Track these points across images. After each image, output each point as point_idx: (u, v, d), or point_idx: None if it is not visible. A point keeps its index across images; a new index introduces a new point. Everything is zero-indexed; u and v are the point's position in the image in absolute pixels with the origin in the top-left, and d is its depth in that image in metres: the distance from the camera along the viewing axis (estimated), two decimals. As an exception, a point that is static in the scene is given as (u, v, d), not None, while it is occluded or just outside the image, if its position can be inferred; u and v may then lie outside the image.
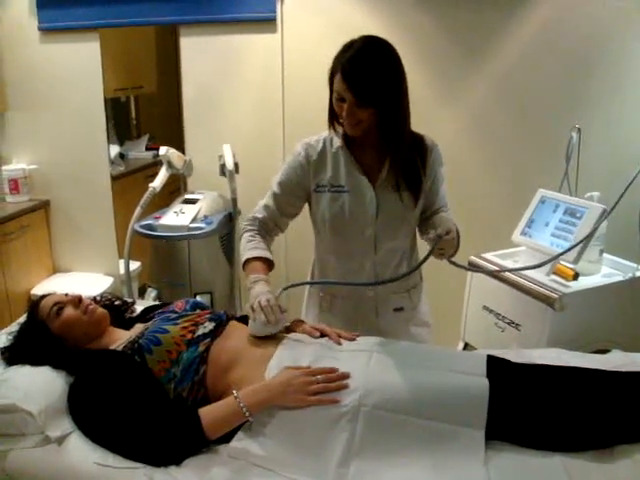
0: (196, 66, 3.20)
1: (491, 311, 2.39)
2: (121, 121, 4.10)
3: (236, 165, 2.92)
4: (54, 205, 3.53)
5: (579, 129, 2.42)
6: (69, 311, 1.70)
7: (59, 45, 3.25)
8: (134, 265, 3.37)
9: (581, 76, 2.80)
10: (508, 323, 2.30)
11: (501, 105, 2.91)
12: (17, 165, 3.43)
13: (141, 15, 3.15)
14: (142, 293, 3.22)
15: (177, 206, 2.99)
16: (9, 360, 1.67)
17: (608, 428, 1.40)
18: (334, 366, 1.51)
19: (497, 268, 2.35)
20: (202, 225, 2.86)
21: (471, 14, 2.82)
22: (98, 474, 1.37)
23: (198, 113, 3.25)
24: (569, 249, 2.04)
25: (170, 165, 3.00)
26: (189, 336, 1.63)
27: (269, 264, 1.81)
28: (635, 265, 2.30)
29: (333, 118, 1.74)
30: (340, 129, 1.76)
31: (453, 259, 1.71)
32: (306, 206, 1.89)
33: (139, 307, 2.01)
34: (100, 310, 1.75)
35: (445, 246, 1.64)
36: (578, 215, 2.21)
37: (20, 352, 1.67)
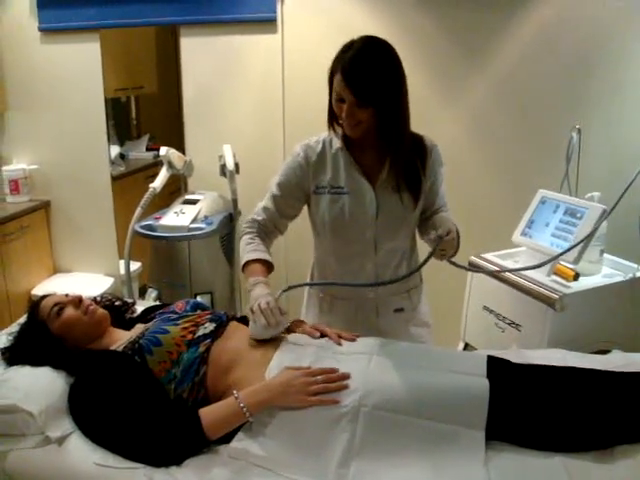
0: (196, 66, 3.20)
1: (491, 311, 2.39)
2: (121, 121, 4.11)
3: (236, 165, 2.92)
4: (54, 205, 3.53)
5: (579, 129, 2.42)
6: (69, 311, 1.70)
7: (59, 45, 3.25)
8: (134, 265, 3.37)
9: (581, 76, 2.80)
10: (508, 323, 2.30)
11: (501, 105, 2.91)
12: (17, 165, 3.43)
13: (141, 15, 3.15)
14: (142, 293, 3.22)
15: (177, 206, 2.99)
16: (9, 360, 1.67)
17: (608, 428, 1.40)
18: (334, 367, 1.51)
19: (497, 268, 2.35)
20: (202, 225, 2.86)
21: (471, 14, 2.82)
22: (98, 474, 1.37)
23: (198, 113, 3.25)
24: (569, 249, 2.04)
25: (170, 165, 3.00)
26: (189, 337, 1.63)
27: (269, 266, 1.80)
28: (635, 265, 2.30)
29: (332, 119, 1.73)
30: (340, 130, 1.75)
31: (453, 259, 1.71)
32: (305, 207, 1.89)
33: (139, 307, 2.01)
34: (100, 311, 1.75)
35: (446, 247, 1.64)
36: (578, 215, 2.21)
37: (20, 352, 1.67)
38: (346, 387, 1.45)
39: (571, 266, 2.21)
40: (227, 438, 1.44)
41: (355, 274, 1.84)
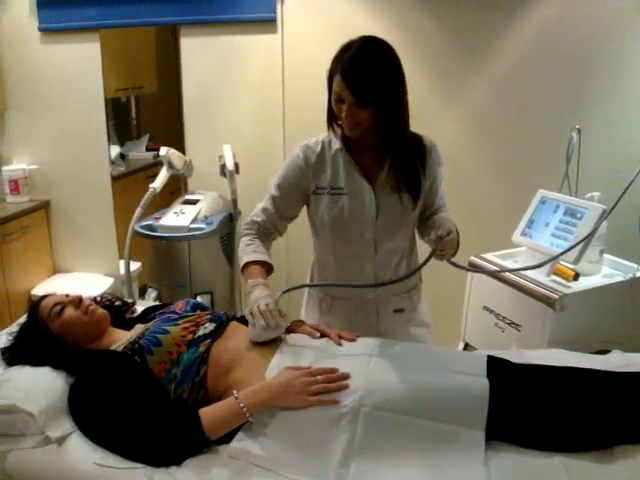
0: (196, 66, 3.20)
1: (491, 311, 2.39)
2: (121, 121, 4.11)
3: (236, 165, 2.92)
4: (54, 205, 3.53)
5: (579, 129, 2.42)
6: (69, 311, 1.70)
7: (59, 45, 3.25)
8: (134, 265, 3.37)
9: (581, 76, 2.80)
10: (508, 323, 2.30)
11: (501, 105, 2.92)
12: (17, 165, 3.43)
13: (141, 15, 3.15)
14: (142, 294, 3.22)
15: (177, 206, 2.99)
16: (9, 360, 1.67)
17: (608, 428, 1.41)
18: (334, 367, 1.51)
19: (497, 268, 2.35)
20: (202, 225, 2.86)
21: (471, 14, 2.83)
22: (98, 474, 1.37)
23: (198, 113, 3.25)
24: (569, 249, 2.04)
25: (170, 165, 3.00)
26: (189, 337, 1.63)
27: (268, 268, 1.79)
28: (635, 265, 2.30)
29: (332, 119, 1.73)
30: (339, 131, 1.75)
31: (453, 259, 1.71)
32: (304, 208, 1.88)
33: (139, 308, 2.01)
34: (100, 311, 1.75)
35: (446, 247, 1.64)
36: (578, 215, 2.21)
37: (20, 352, 1.67)
38: (346, 387, 1.45)
39: (571, 266, 2.21)
40: (227, 438, 1.44)
41: (355, 274, 1.84)
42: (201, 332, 1.66)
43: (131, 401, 1.46)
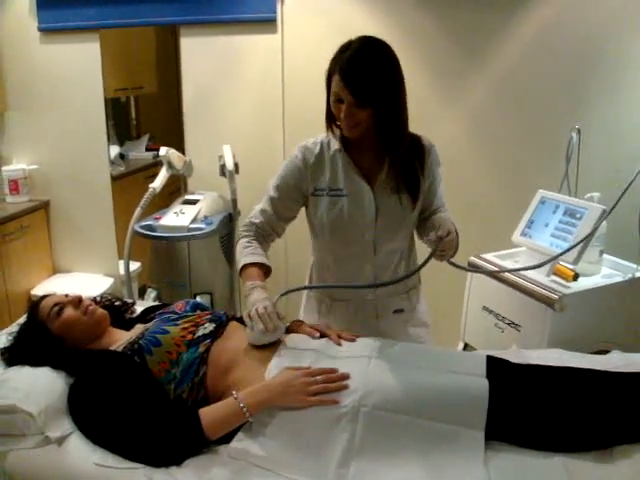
0: (196, 66, 3.20)
1: (491, 312, 2.39)
2: (121, 121, 4.11)
3: (236, 165, 2.92)
4: (54, 205, 3.53)
5: (579, 130, 2.42)
6: (69, 312, 1.70)
7: (59, 45, 3.25)
8: (134, 266, 3.37)
9: (581, 76, 2.80)
10: (508, 324, 2.30)
11: (501, 106, 2.92)
12: (17, 165, 3.43)
13: (141, 15, 3.15)
14: (142, 294, 3.22)
15: (177, 207, 2.99)
16: (9, 361, 1.67)
17: (608, 428, 1.41)
18: (334, 367, 1.51)
19: (497, 269, 2.35)
20: (202, 226, 2.86)
21: (471, 14, 2.83)
22: (98, 474, 1.37)
23: (198, 113, 3.25)
24: (568, 249, 2.04)
25: (170, 165, 3.00)
26: (189, 337, 1.63)
27: (266, 270, 1.79)
28: (635, 266, 2.30)
29: (331, 120, 1.73)
30: (338, 131, 1.75)
31: (452, 259, 1.71)
32: (303, 209, 1.88)
33: (139, 308, 2.01)
34: (100, 311, 1.75)
35: (446, 248, 1.64)
36: (578, 216, 2.21)
37: (20, 353, 1.67)
38: (346, 387, 1.45)
39: (571, 266, 2.21)
40: (227, 438, 1.44)
41: (354, 275, 1.83)
42: (201, 332, 1.66)
43: (131, 401, 1.46)
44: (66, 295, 1.76)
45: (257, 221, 1.84)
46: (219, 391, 1.56)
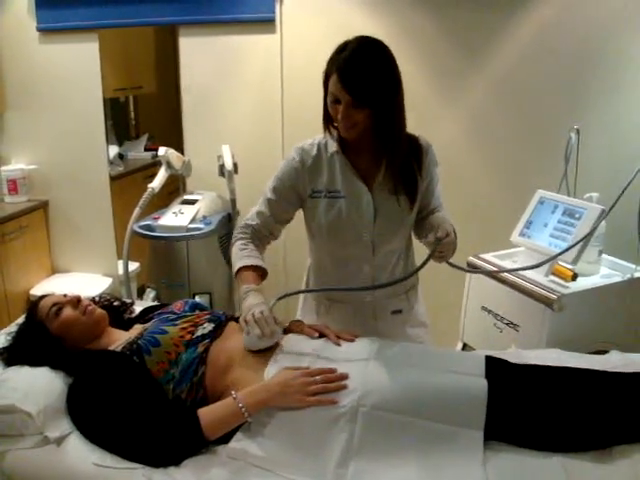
0: (195, 66, 3.20)
1: (490, 312, 2.39)
2: (120, 121, 4.11)
3: (235, 166, 2.92)
4: (53, 205, 3.52)
5: (578, 130, 2.42)
6: (68, 312, 1.70)
7: (58, 45, 3.25)
8: (133, 266, 3.37)
9: (580, 77, 2.80)
10: (507, 324, 2.30)
11: (500, 106, 2.92)
12: (16, 165, 3.43)
13: (140, 15, 3.14)
14: (141, 294, 3.22)
15: (176, 207, 2.99)
16: (8, 361, 1.67)
17: (607, 428, 1.41)
18: (333, 367, 1.51)
19: (495, 269, 2.35)
20: (201, 226, 2.86)
21: (471, 14, 2.82)
22: (97, 474, 1.37)
23: (197, 113, 3.25)
24: (567, 249, 2.04)
25: (169, 165, 3.00)
26: (188, 337, 1.63)
27: (262, 273, 1.77)
28: (634, 266, 2.30)
29: (328, 121, 1.72)
30: (335, 132, 1.74)
31: (450, 260, 1.70)
32: (300, 211, 1.87)
33: (138, 308, 2.00)
34: (99, 311, 1.75)
35: (444, 249, 1.63)
36: (577, 216, 2.21)
37: (19, 353, 1.67)
38: (345, 387, 1.45)
39: (569, 266, 2.21)
40: (226, 438, 1.44)
41: (352, 277, 1.82)
42: (199, 332, 1.66)
43: (129, 401, 1.46)
44: (65, 295, 1.76)
45: (253, 223, 1.83)
46: (218, 391, 1.56)
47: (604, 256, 2.39)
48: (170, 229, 2.85)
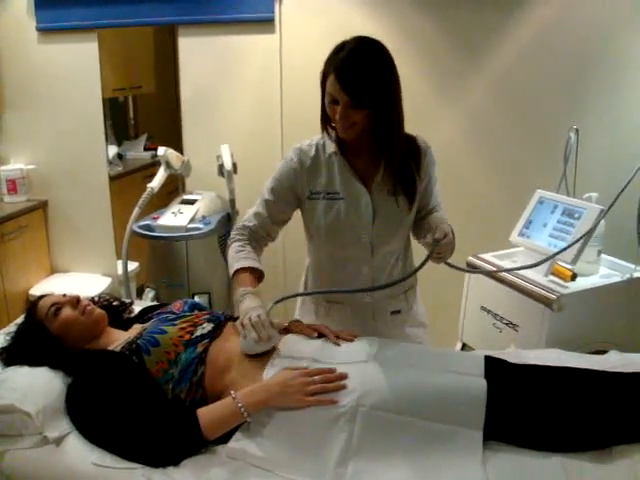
0: (194, 66, 3.20)
1: (489, 312, 2.39)
2: (119, 121, 4.10)
3: (234, 165, 2.92)
4: (52, 205, 3.52)
5: (577, 130, 2.43)
6: (67, 311, 1.69)
7: (57, 45, 3.25)
8: (132, 265, 3.36)
9: (580, 77, 2.80)
10: (506, 324, 2.30)
11: (500, 106, 2.92)
12: (15, 165, 3.42)
13: (139, 15, 3.15)
14: (140, 293, 3.22)
15: (175, 206, 2.99)
16: (7, 361, 1.67)
17: (606, 428, 1.41)
18: (332, 366, 1.51)
19: (494, 269, 2.35)
20: (200, 225, 2.86)
21: (470, 14, 2.82)
22: (96, 474, 1.37)
23: (196, 113, 3.25)
24: (565, 248, 2.04)
25: (168, 165, 3.00)
26: (187, 337, 1.63)
27: (259, 275, 1.75)
28: (633, 266, 2.30)
29: (326, 122, 1.71)
30: (333, 133, 1.73)
31: (449, 260, 1.70)
32: (297, 211, 1.86)
33: (137, 308, 2.00)
34: (98, 311, 1.75)
35: (442, 250, 1.63)
36: (576, 216, 2.21)
37: (18, 353, 1.67)
38: (344, 387, 1.45)
39: (569, 266, 2.21)
40: (225, 438, 1.44)
41: (351, 278, 1.82)
42: (199, 332, 1.66)
43: (129, 401, 1.46)
44: (64, 295, 1.76)
45: (251, 224, 1.81)
46: (217, 391, 1.56)
47: (603, 256, 2.39)
48: (169, 229, 2.84)
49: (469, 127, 2.99)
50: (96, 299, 1.90)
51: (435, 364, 1.57)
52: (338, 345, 1.64)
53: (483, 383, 1.45)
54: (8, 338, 1.72)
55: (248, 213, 1.84)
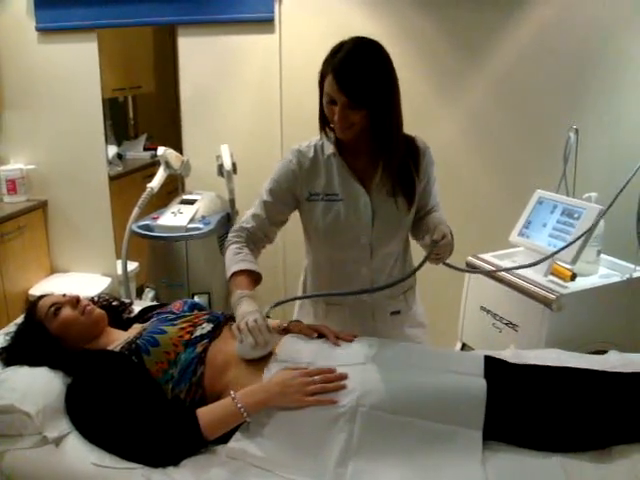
0: (194, 66, 3.20)
1: (488, 312, 2.39)
2: (119, 121, 4.10)
3: (234, 165, 2.92)
4: (52, 205, 3.52)
5: (577, 130, 2.43)
6: (67, 311, 1.69)
7: (57, 45, 3.25)
8: (132, 265, 3.36)
9: (579, 77, 2.80)
10: (506, 324, 2.30)
11: (499, 106, 2.92)
12: (15, 165, 3.42)
13: (139, 15, 3.14)
14: (140, 293, 3.22)
15: (175, 206, 2.99)
16: (7, 361, 1.67)
17: (606, 428, 1.41)
18: (332, 366, 1.51)
19: (493, 268, 2.35)
20: (200, 225, 2.86)
21: (470, 14, 2.82)
22: (95, 474, 1.37)
23: (196, 113, 3.25)
24: (564, 247, 2.04)
25: (168, 165, 3.00)
26: (187, 337, 1.63)
27: (256, 278, 1.75)
28: (632, 266, 2.30)
29: (324, 123, 1.71)
30: (332, 134, 1.73)
31: (448, 259, 1.70)
32: (296, 212, 1.85)
33: (137, 307, 2.00)
34: (98, 311, 1.75)
35: (441, 251, 1.62)
36: (576, 216, 2.21)
37: (18, 353, 1.67)
38: (344, 387, 1.45)
39: (568, 266, 2.21)
40: (225, 438, 1.44)
41: (350, 279, 1.81)
42: (198, 332, 1.66)
43: (128, 401, 1.46)
44: (64, 295, 1.76)
45: (249, 226, 1.80)
46: (217, 391, 1.56)
47: (603, 256, 2.39)
48: (169, 229, 2.84)
49: (469, 127, 2.99)
50: (96, 299, 1.90)
51: (435, 364, 1.57)
52: (338, 345, 1.63)
53: (483, 383, 1.45)
54: (8, 338, 1.72)
55: (246, 215, 1.83)
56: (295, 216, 1.87)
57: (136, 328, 1.75)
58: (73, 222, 3.51)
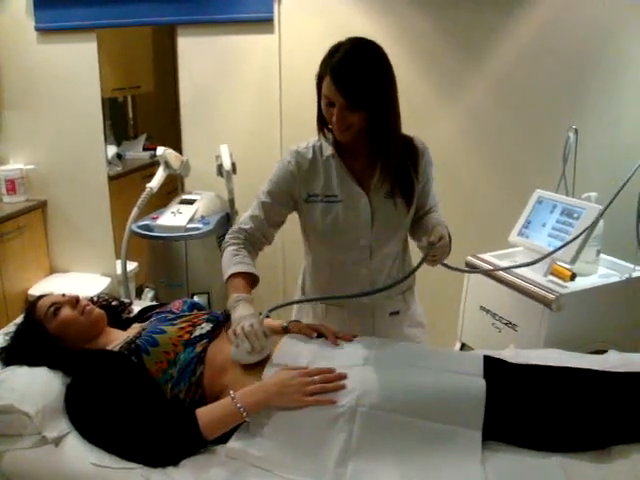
0: (193, 66, 3.20)
1: (488, 311, 2.39)
2: (118, 121, 4.10)
3: (233, 165, 2.92)
4: (51, 205, 3.52)
5: (576, 130, 2.43)
6: (66, 311, 1.69)
7: (56, 45, 3.25)
8: (131, 265, 3.37)
9: (579, 77, 2.80)
10: (505, 323, 2.30)
11: (499, 105, 2.92)
12: (14, 165, 3.42)
13: (139, 15, 3.14)
14: (139, 293, 3.22)
15: (174, 206, 2.99)
16: (6, 361, 1.67)
17: (605, 428, 1.41)
18: (331, 366, 1.51)
19: (491, 267, 2.35)
20: (199, 225, 2.86)
21: (470, 14, 2.82)
22: (95, 475, 1.37)
23: (195, 113, 3.25)
24: (563, 246, 2.04)
25: (167, 165, 3.00)
26: (186, 337, 1.63)
27: (253, 280, 1.73)
28: (632, 266, 2.30)
29: (322, 125, 1.70)
30: (330, 136, 1.72)
31: (447, 259, 1.69)
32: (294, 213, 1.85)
33: (136, 307, 2.00)
34: (97, 310, 1.75)
35: (438, 253, 1.62)
36: (575, 216, 2.21)
37: (17, 353, 1.66)
38: (343, 387, 1.45)
39: (568, 266, 2.21)
40: (224, 438, 1.44)
41: (349, 280, 1.81)
42: (198, 332, 1.66)
43: (128, 401, 1.46)
44: (63, 295, 1.76)
45: (247, 227, 1.79)
46: (216, 391, 1.56)
47: (602, 256, 2.39)
48: (168, 229, 2.84)
49: (468, 127, 2.99)
50: (95, 299, 1.89)
51: (434, 364, 1.57)
52: (337, 345, 1.63)
53: (482, 383, 1.45)
54: (7, 338, 1.72)
55: (244, 216, 1.82)
56: (294, 216, 1.86)
57: (135, 328, 1.75)
58: (73, 222, 3.51)
